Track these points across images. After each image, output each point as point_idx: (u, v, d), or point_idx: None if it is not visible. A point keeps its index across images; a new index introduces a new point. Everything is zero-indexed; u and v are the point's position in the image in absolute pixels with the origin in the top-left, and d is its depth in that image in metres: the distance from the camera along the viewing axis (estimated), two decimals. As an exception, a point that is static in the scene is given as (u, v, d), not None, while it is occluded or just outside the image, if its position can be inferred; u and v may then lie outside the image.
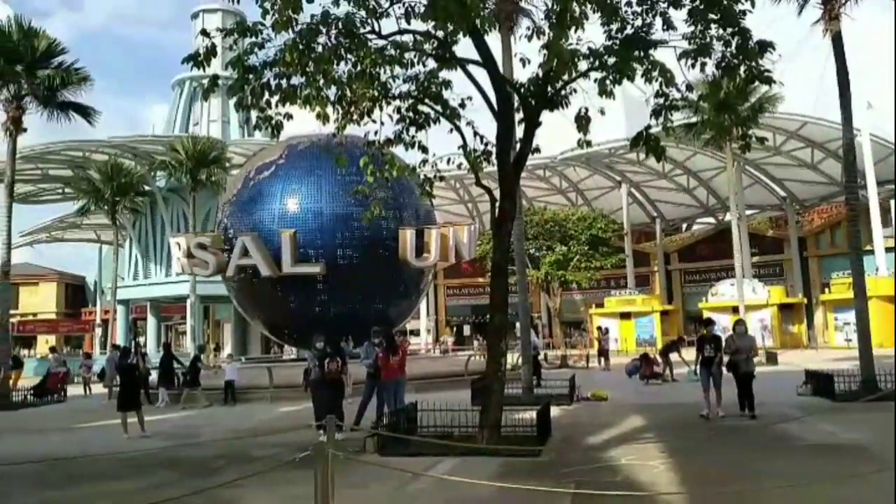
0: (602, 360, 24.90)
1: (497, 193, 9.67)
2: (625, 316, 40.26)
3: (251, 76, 9.22)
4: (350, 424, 10.74)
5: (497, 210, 9.51)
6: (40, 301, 58.41)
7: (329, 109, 8.86)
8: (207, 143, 32.47)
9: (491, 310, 9.72)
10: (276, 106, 9.45)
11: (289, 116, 9.78)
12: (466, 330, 51.63)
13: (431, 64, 9.36)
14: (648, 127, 9.15)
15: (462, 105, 9.15)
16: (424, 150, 9.53)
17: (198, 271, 23.73)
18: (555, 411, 12.00)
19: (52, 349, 28.90)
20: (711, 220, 47.07)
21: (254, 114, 9.67)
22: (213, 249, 22.68)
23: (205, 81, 50.40)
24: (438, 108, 9.28)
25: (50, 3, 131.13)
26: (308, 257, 21.66)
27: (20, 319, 46.85)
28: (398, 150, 10.17)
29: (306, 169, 23.22)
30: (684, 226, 51.64)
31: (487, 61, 9.18)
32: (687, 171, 41.87)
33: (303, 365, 19.97)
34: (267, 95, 9.28)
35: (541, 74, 9.39)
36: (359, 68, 8.67)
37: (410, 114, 9.08)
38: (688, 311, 45.19)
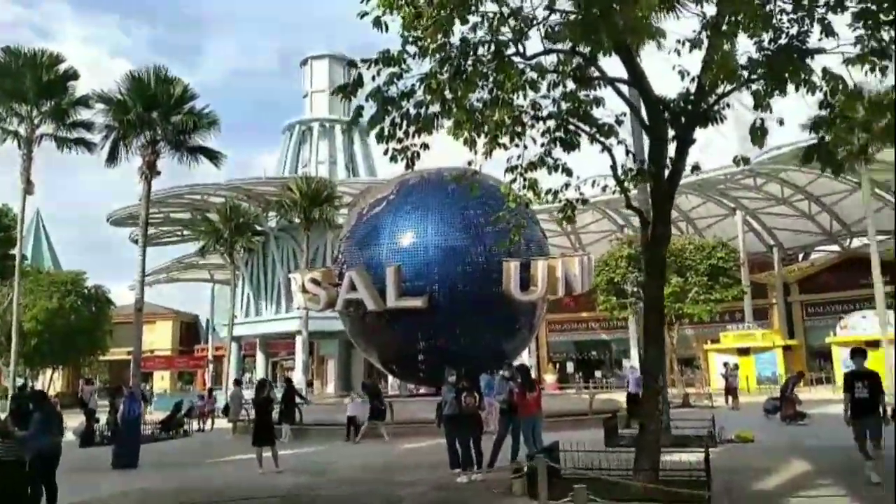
0: (730, 398, 23.29)
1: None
2: (743, 352, 37.96)
3: (390, 107, 9.10)
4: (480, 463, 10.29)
5: (650, 235, 8.91)
6: (157, 338, 61.47)
7: (467, 134, 8.58)
8: (320, 183, 33.47)
9: (645, 343, 9.08)
10: (413, 136, 9.32)
11: (425, 146, 9.65)
12: (570, 367, 50.20)
13: (571, 84, 9.00)
14: (822, 138, 8.37)
15: (619, 122, 8.68)
16: (569, 172, 9.07)
17: (311, 305, 24.26)
18: (700, 454, 11.09)
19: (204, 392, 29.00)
20: (834, 247, 44.01)
21: (391, 145, 9.56)
22: (325, 284, 23.03)
23: (312, 125, 52.82)
24: (586, 127, 8.84)
25: (168, 60, 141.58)
26: (418, 291, 21.47)
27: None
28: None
29: (417, 204, 23.22)
30: (801, 255, 48.60)
31: (637, 78, 8.70)
32: (808, 196, 39.41)
33: (420, 401, 19.74)
34: (405, 126, 9.15)
35: (692, 89, 8.86)
36: (502, 90, 8.39)
37: (559, 134, 8.67)
38: (810, 347, 42.17)
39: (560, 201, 9.61)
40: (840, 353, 32.01)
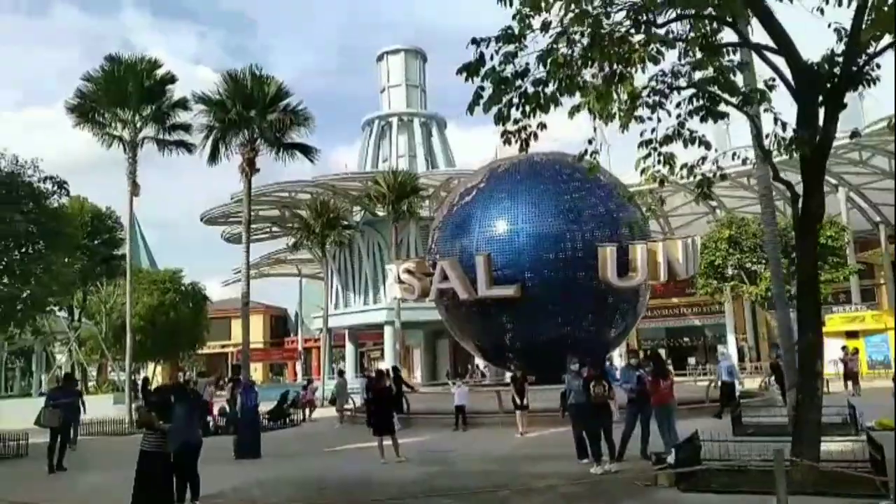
0: (849, 383, 21.93)
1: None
2: (851, 335, 35.82)
3: (507, 87, 8.78)
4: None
5: (801, 209, 8.27)
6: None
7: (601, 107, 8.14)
8: (406, 176, 33.63)
9: (800, 327, 8.48)
10: (530, 116, 8.98)
11: (542, 126, 9.30)
12: (662, 354, 48.75)
13: (702, 53, 8.42)
14: None
15: (770, 87, 8.06)
16: (707, 145, 8.52)
17: (406, 295, 24.38)
18: (841, 444, 10.36)
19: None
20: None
21: (508, 126, 9.24)
22: (418, 274, 23.05)
23: (391, 119, 53.17)
24: (725, 95, 8.27)
25: (241, 63, 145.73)
26: (510, 279, 21.08)
27: (233, 350, 51.02)
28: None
29: (507, 191, 22.84)
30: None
31: (780, 40, 8.06)
32: (919, 169, 36.71)
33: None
34: (523, 106, 8.81)
35: (837, 50, 8.15)
36: (634, 61, 7.92)
37: (700, 102, 8.12)
38: (926, 330, 39.40)
39: (695, 177, 9.08)
40: None
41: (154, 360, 47.79)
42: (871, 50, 8.15)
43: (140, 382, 20.70)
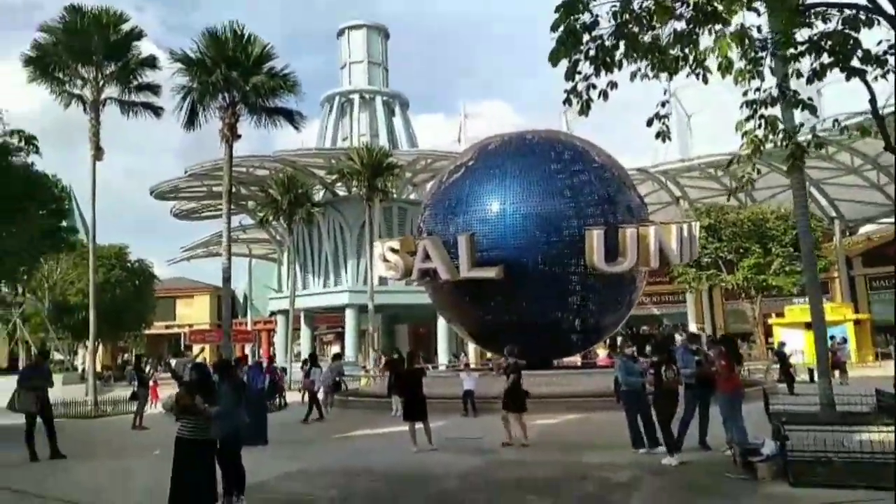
0: (836, 372, 22.07)
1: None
2: (811, 326, 36.67)
3: (582, 36, 7.84)
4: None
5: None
6: (194, 312, 60.98)
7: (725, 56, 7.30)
8: (381, 153, 32.27)
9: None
10: (604, 73, 8.11)
11: (613, 85, 8.45)
12: (619, 341, 49.08)
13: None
14: None
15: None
16: (812, 109, 7.81)
17: (389, 274, 23.43)
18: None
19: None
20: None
21: (578, 81, 8.33)
22: (403, 253, 21.99)
23: (352, 97, 51.40)
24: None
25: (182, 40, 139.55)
26: (495, 260, 20.20)
27: (189, 330, 48.71)
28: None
29: (495, 169, 21.89)
30: (861, 228, 47.04)
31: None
32: (878, 167, 37.83)
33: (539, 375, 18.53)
34: (602, 59, 7.91)
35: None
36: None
37: (831, 59, 7.37)
38: (876, 322, 40.85)
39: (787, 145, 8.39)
40: None
41: (97, 339, 45.14)
42: None
43: (132, 361, 18.94)
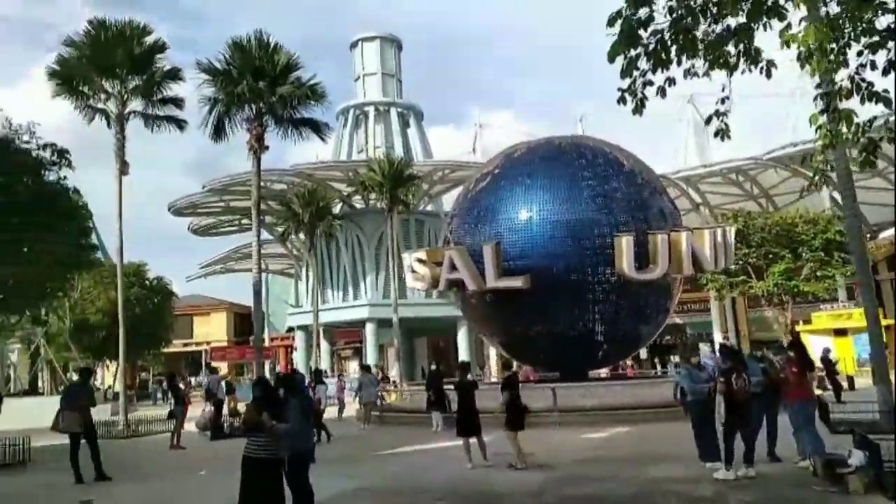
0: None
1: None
2: (840, 333, 35.94)
3: (642, 30, 7.51)
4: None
5: None
6: (212, 330, 60.72)
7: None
8: (402, 163, 32.04)
9: None
10: (663, 70, 7.78)
11: (671, 82, 8.12)
12: (643, 353, 48.45)
13: None
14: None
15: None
16: (887, 102, 7.43)
17: (417, 285, 23.26)
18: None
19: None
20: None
21: (636, 77, 8.01)
22: (430, 264, 21.70)
23: (367, 109, 51.24)
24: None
25: (193, 54, 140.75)
26: (523, 270, 19.81)
27: (210, 347, 48.44)
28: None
29: (522, 177, 21.59)
30: (882, 232, 46.31)
31: None
32: (904, 168, 37.16)
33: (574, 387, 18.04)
34: (663, 54, 7.57)
35: None
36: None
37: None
38: (903, 326, 40.06)
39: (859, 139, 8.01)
40: None
41: (114, 358, 44.92)
42: None
43: (165, 379, 18.62)
